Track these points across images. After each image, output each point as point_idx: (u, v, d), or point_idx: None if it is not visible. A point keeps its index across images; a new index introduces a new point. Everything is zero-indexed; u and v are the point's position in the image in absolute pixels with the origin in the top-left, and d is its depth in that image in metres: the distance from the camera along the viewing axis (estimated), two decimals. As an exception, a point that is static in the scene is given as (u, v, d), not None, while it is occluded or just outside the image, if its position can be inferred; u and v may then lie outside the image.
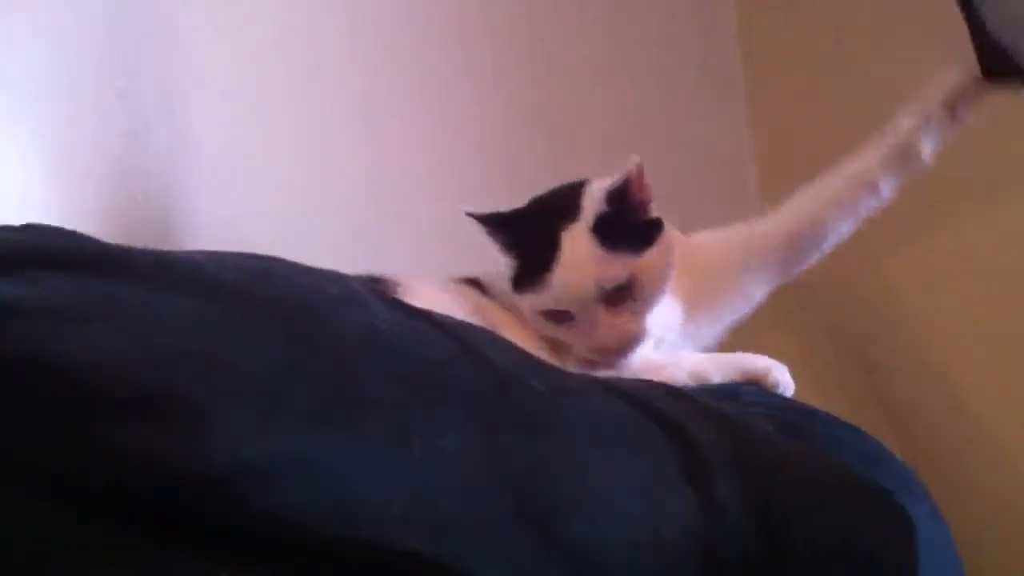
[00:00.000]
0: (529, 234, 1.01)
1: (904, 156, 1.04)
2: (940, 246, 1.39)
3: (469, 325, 0.81)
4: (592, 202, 0.99)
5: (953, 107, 1.02)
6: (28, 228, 0.71)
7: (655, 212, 1.02)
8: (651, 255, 0.98)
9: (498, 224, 1.02)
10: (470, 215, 1.02)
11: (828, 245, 1.07)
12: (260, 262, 0.73)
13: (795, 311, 1.25)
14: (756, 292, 1.09)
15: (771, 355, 1.03)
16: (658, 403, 0.80)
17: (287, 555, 0.58)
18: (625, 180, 0.98)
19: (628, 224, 0.99)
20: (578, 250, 0.97)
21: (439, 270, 1.08)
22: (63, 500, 0.56)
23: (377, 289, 0.81)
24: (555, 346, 1.01)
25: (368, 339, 0.68)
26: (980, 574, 0.96)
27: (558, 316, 0.98)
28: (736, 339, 1.11)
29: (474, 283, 1.08)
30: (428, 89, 1.46)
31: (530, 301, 0.99)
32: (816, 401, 0.99)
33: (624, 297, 0.97)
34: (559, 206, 1.01)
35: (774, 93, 1.67)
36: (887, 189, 1.05)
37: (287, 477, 0.58)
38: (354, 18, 1.40)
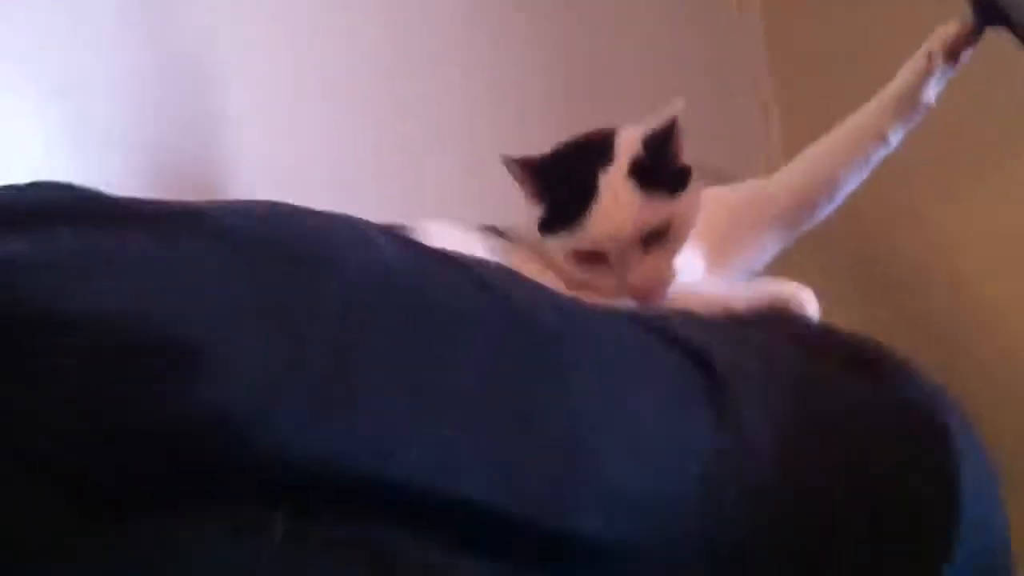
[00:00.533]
0: (562, 177, 1.02)
1: (909, 104, 1.06)
2: (983, 195, 1.39)
3: (484, 261, 0.80)
4: (627, 147, 1.01)
5: (953, 54, 1.05)
6: (34, 185, 0.72)
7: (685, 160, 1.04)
8: (685, 199, 1.01)
9: (530, 168, 1.03)
10: (504, 158, 1.03)
11: (841, 197, 1.10)
12: (267, 207, 0.73)
13: (819, 237, 1.24)
14: (771, 246, 1.11)
15: (795, 280, 1.02)
16: (680, 330, 0.80)
17: (306, 493, 0.58)
18: (669, 124, 1.00)
19: (663, 169, 1.00)
20: (619, 193, 0.98)
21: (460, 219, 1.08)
22: (82, 458, 0.57)
23: (390, 230, 0.80)
24: (579, 289, 1.00)
25: (379, 277, 0.68)
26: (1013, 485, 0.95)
27: (592, 258, 1.00)
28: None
29: (493, 231, 1.08)
30: (444, 39, 1.45)
31: (563, 242, 1.00)
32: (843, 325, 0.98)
33: (659, 240, 0.99)
34: (592, 150, 1.02)
35: (795, 39, 1.65)
36: (895, 138, 1.07)
37: (301, 423, 0.59)
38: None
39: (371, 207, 0.87)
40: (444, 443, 0.62)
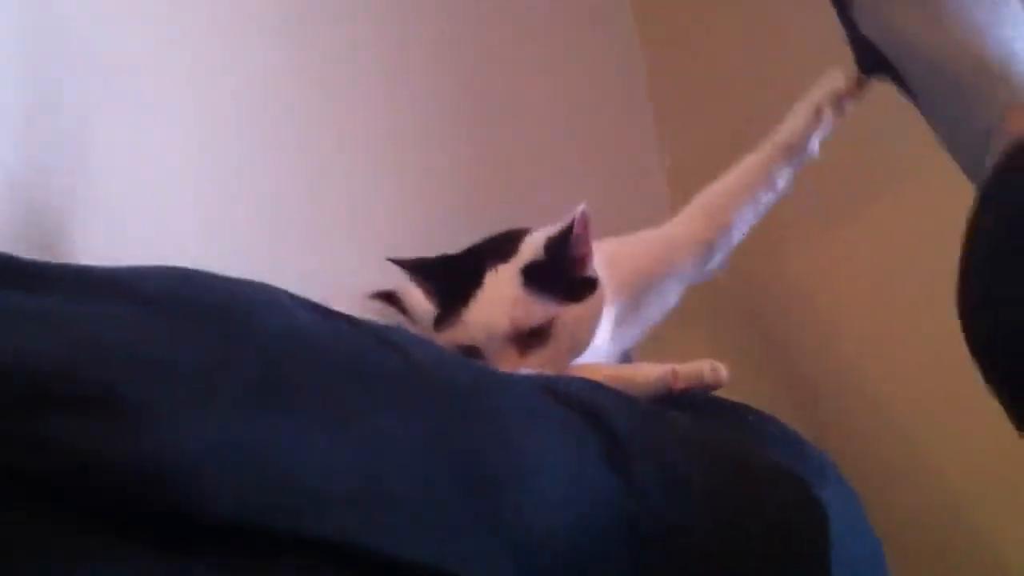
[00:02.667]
0: (455, 276, 0.99)
1: (796, 151, 1.11)
2: (843, 237, 1.45)
3: (391, 327, 0.82)
4: (530, 248, 0.99)
5: (839, 103, 1.10)
6: None
7: (592, 270, 1.01)
8: (577, 309, 0.98)
9: (422, 271, 1.01)
10: (394, 262, 1.00)
11: (736, 239, 1.13)
12: (180, 272, 0.74)
13: (708, 307, 1.29)
14: (675, 293, 1.13)
15: (685, 352, 1.03)
16: (578, 394, 0.83)
17: (228, 541, 0.59)
18: (567, 228, 0.98)
19: (562, 275, 0.98)
20: (500, 288, 0.96)
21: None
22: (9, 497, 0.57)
23: (296, 296, 0.81)
24: None
25: (292, 336, 0.69)
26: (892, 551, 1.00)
27: (468, 353, 0.96)
28: (653, 338, 1.14)
29: (389, 296, 1.07)
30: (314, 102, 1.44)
31: (447, 336, 0.98)
32: (731, 395, 1.02)
33: (537, 343, 0.96)
34: (495, 250, 1.01)
35: (679, 97, 1.71)
36: (782, 183, 1.12)
37: (221, 465, 0.59)
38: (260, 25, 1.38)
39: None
40: (370, 481, 0.63)
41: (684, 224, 1.13)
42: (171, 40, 1.29)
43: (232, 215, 1.30)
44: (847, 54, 1.03)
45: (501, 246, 1.01)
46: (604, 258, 1.04)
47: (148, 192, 1.24)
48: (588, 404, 0.81)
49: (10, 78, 1.13)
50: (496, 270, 0.98)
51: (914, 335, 1.36)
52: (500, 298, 0.96)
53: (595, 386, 0.88)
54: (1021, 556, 1.28)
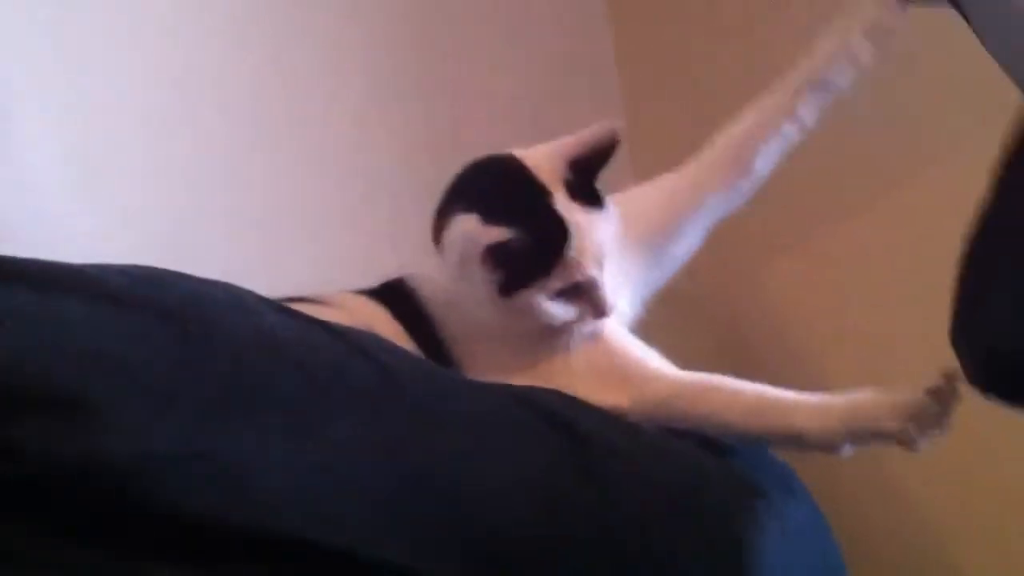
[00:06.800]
0: (515, 226, 0.91)
1: (819, 86, 1.05)
2: (815, 254, 1.46)
3: (361, 331, 0.82)
4: (550, 172, 0.95)
5: (873, 34, 1.03)
6: None
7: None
8: (613, 209, 0.97)
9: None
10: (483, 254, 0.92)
11: (759, 175, 1.07)
12: (146, 270, 0.75)
13: (679, 321, 1.29)
14: (701, 233, 1.09)
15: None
16: (545, 399, 0.84)
17: (192, 544, 0.60)
18: (597, 141, 0.95)
19: (587, 188, 0.96)
20: (579, 216, 0.93)
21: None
22: None
23: (263, 297, 0.82)
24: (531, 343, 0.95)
25: (258, 339, 0.70)
26: (852, 558, 1.01)
27: (570, 292, 0.94)
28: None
29: (393, 289, 1.00)
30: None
31: (541, 288, 0.92)
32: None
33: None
34: (517, 190, 0.95)
35: (646, 78, 1.71)
36: (809, 118, 1.05)
37: (185, 468, 0.60)
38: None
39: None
40: (321, 490, 0.65)
41: (709, 170, 1.08)
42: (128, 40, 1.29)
43: (207, 211, 1.31)
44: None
45: (518, 184, 0.97)
46: (627, 210, 1.01)
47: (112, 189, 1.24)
48: (553, 409, 0.83)
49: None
50: (557, 202, 0.94)
51: (888, 348, 1.37)
52: (590, 225, 0.94)
53: (563, 395, 0.89)
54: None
